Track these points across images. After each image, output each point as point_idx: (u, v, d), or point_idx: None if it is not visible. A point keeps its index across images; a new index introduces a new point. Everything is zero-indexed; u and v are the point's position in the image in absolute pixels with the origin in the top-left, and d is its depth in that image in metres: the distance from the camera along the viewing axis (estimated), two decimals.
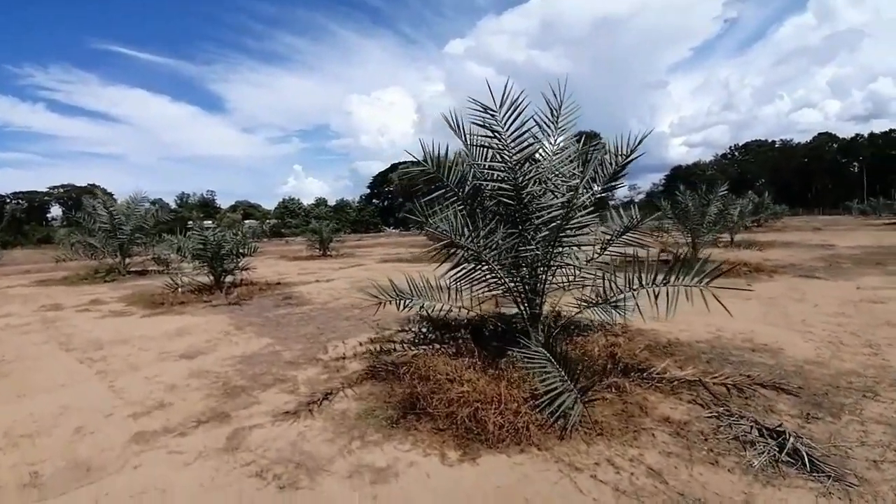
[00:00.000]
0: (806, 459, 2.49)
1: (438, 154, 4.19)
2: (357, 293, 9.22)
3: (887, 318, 5.42)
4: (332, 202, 69.74)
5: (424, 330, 5.70)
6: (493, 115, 3.84)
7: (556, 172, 3.97)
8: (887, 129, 67.20)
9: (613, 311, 4.23)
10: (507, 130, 3.86)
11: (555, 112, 4.06)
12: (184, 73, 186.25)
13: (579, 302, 4.39)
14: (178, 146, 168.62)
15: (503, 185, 4.05)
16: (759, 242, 15.48)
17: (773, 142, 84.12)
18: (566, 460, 2.73)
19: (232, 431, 3.35)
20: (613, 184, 4.26)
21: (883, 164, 60.49)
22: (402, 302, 4.96)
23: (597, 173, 4.24)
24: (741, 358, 4.31)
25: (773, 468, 2.53)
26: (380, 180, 71.61)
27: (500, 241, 3.85)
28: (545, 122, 4.12)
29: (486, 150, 4.07)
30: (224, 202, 72.58)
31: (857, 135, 70.38)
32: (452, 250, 4.27)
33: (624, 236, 4.46)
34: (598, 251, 4.53)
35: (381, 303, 4.90)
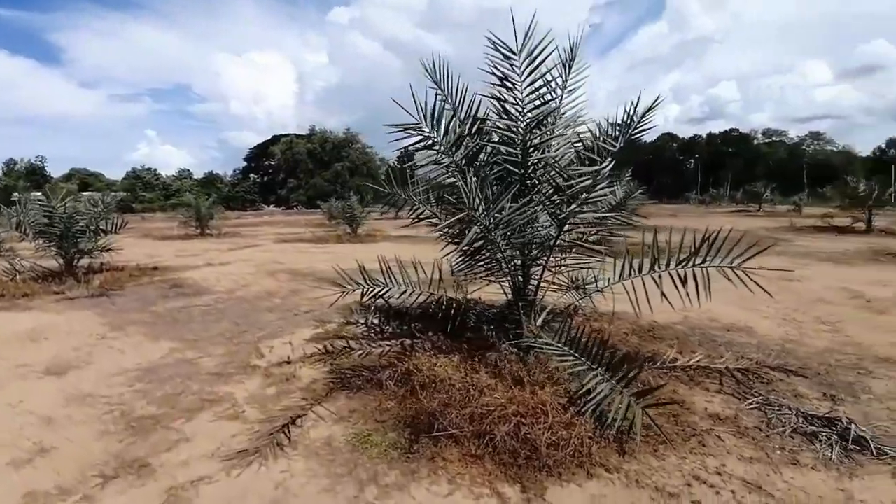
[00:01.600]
0: (871, 445, 2.35)
1: (433, 109, 3.35)
2: (267, 278, 7.83)
3: (814, 295, 5.98)
4: (198, 175, 61.79)
5: (376, 321, 4.86)
6: (509, 60, 3.13)
7: (588, 136, 3.42)
8: (726, 129, 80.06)
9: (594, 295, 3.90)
10: (524, 80, 3.18)
11: (567, 66, 3.46)
12: (19, 24, 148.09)
13: (578, 285, 3.96)
14: (6, 106, 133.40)
15: (511, 149, 3.38)
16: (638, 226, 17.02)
17: None
18: (650, 483, 2.23)
19: (165, 492, 2.24)
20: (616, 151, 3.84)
21: (717, 160, 71.79)
22: (368, 290, 4.08)
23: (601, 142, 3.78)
24: (724, 339, 4.28)
25: (848, 458, 2.34)
26: (258, 153, 65.03)
27: (512, 216, 3.19)
28: (554, 78, 3.51)
29: (494, 103, 3.35)
30: (57, 170, 59.83)
31: (696, 135, 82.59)
32: (439, 226, 3.52)
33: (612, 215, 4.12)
34: (591, 231, 4.12)
35: (344, 292, 3.96)
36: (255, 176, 64.52)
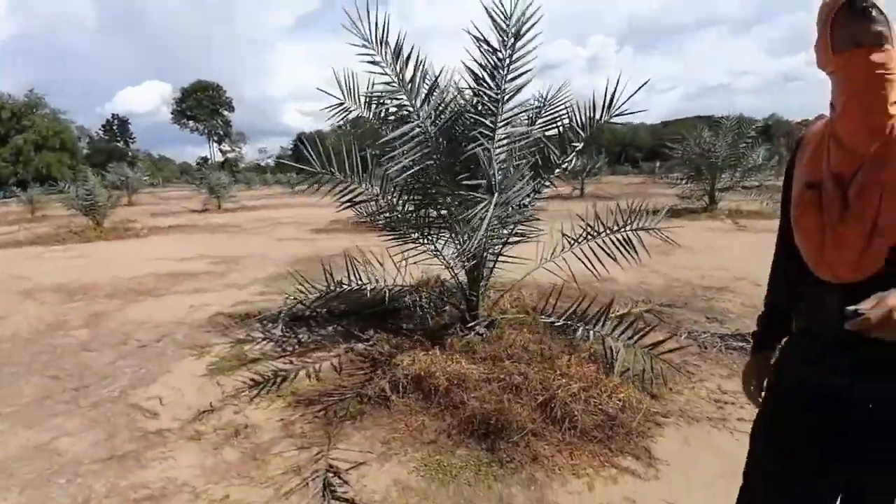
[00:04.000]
0: None
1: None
2: (23, 303, 5.26)
3: None
4: None
5: (278, 332, 4.03)
6: (504, 23, 2.92)
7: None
8: None
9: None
10: (511, 46, 3.02)
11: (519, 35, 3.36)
12: None
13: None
14: None
15: (488, 121, 3.20)
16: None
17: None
18: (698, 415, 2.61)
19: None
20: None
21: None
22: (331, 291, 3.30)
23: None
24: (608, 288, 5.16)
25: None
26: None
27: (520, 193, 3.06)
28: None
29: (473, 69, 3.08)
30: None
31: None
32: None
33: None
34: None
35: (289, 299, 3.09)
36: None
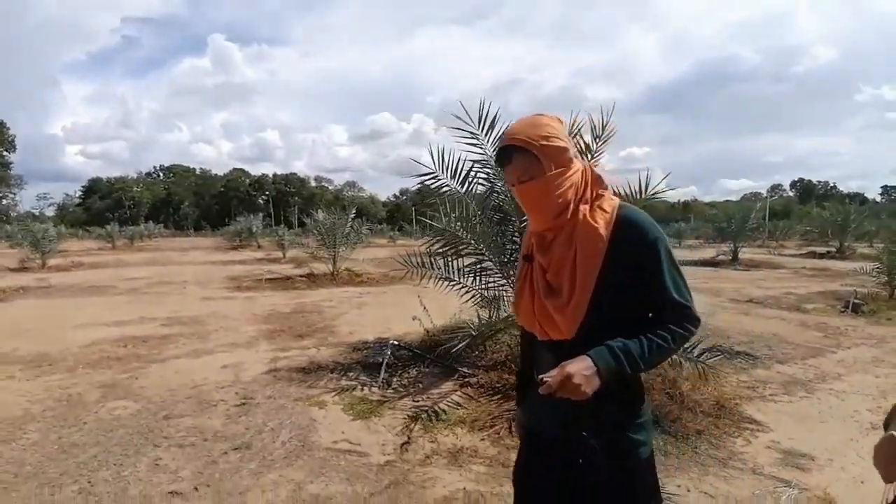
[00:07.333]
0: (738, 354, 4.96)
1: None
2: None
3: None
4: None
5: (381, 377, 4.27)
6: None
7: None
8: (286, 172, 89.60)
9: None
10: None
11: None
12: None
13: None
14: None
15: None
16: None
17: (195, 169, 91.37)
18: (745, 392, 3.90)
19: None
20: None
21: (282, 197, 79.62)
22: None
23: None
24: None
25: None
26: None
27: None
28: None
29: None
30: None
31: (264, 174, 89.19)
32: None
33: None
34: None
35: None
36: None
